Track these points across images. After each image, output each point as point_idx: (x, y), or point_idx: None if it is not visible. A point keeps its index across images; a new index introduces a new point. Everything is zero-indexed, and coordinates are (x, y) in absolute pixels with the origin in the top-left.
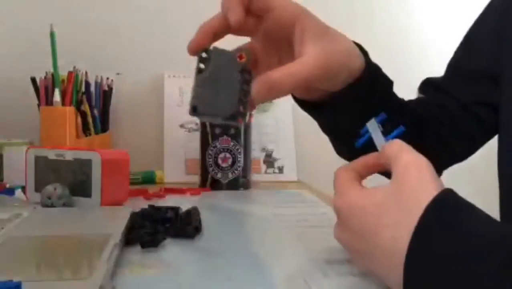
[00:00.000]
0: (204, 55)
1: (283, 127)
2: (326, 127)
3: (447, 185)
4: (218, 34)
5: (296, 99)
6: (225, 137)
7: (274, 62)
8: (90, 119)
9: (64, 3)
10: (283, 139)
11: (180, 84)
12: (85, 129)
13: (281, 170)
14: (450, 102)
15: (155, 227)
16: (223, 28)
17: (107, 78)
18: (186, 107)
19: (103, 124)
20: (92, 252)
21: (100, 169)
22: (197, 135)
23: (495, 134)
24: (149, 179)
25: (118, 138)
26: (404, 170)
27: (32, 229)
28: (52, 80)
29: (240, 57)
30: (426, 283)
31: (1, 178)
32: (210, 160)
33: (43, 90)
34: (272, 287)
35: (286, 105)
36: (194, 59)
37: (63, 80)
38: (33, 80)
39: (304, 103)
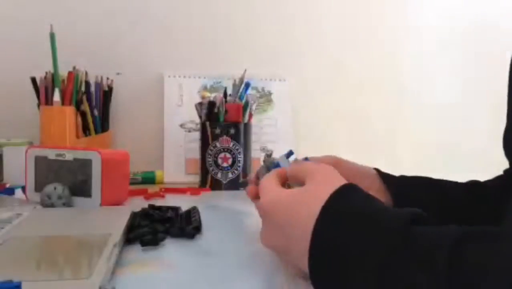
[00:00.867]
0: None
1: (283, 127)
2: None
3: None
4: None
5: None
6: (225, 137)
7: None
8: (90, 119)
9: (64, 3)
10: (283, 139)
11: (180, 84)
12: (85, 129)
13: None
14: None
15: (155, 227)
16: None
17: (107, 78)
18: (186, 107)
19: (103, 124)
20: (92, 252)
21: (100, 169)
22: (197, 135)
23: None
24: (149, 179)
25: (118, 138)
26: (315, 171)
27: (32, 229)
28: (52, 80)
29: None
30: (332, 238)
31: (1, 178)
32: (210, 160)
33: (43, 90)
34: (272, 287)
35: (286, 105)
36: (194, 59)
37: (63, 80)
38: (33, 80)
39: None
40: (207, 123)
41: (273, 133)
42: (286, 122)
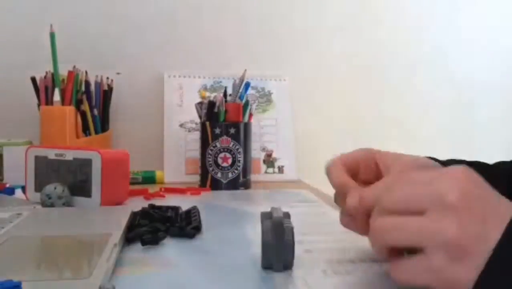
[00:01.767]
0: None
1: (283, 127)
2: None
3: None
4: None
5: None
6: (225, 137)
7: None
8: (90, 119)
9: (64, 3)
10: (283, 139)
11: (180, 84)
12: (85, 129)
13: (281, 169)
14: None
15: (156, 226)
16: None
17: (107, 78)
18: (186, 107)
19: (103, 124)
20: (92, 252)
21: (100, 169)
22: (197, 135)
23: None
24: (149, 179)
25: (118, 138)
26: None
27: (32, 229)
28: (52, 80)
29: None
30: None
31: (1, 178)
32: (210, 159)
33: (43, 90)
34: (272, 287)
35: (286, 105)
36: (194, 59)
37: (63, 80)
38: (33, 80)
39: None
40: (207, 123)
41: (273, 133)
42: (286, 122)
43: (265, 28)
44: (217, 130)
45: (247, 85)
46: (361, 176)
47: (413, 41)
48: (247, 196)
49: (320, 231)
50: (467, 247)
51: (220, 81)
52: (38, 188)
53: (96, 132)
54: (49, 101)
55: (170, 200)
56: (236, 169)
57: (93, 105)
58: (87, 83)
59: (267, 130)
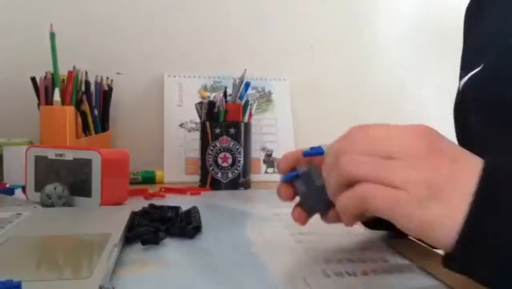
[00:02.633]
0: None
1: (283, 127)
2: None
3: None
4: None
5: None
6: (225, 137)
7: None
8: (90, 119)
9: (64, 3)
10: (283, 139)
11: (180, 84)
12: (85, 129)
13: None
14: None
15: (156, 226)
16: None
17: (107, 78)
18: (186, 107)
19: (103, 124)
20: (92, 252)
21: (100, 169)
22: (197, 135)
23: None
24: (149, 179)
25: (118, 138)
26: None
27: (32, 229)
28: (52, 80)
29: None
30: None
31: (1, 178)
32: (210, 159)
33: (43, 90)
34: (272, 287)
35: (286, 105)
36: (194, 59)
37: (63, 80)
38: (33, 80)
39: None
40: (207, 123)
41: (273, 133)
42: (286, 122)
43: (265, 28)
44: (217, 130)
45: (247, 85)
46: None
47: (414, 43)
48: (247, 196)
49: (320, 231)
50: (441, 185)
51: (220, 81)
52: (38, 188)
53: (96, 132)
54: (49, 101)
55: (170, 200)
56: (236, 169)
57: (93, 105)
58: (87, 83)
59: (267, 130)
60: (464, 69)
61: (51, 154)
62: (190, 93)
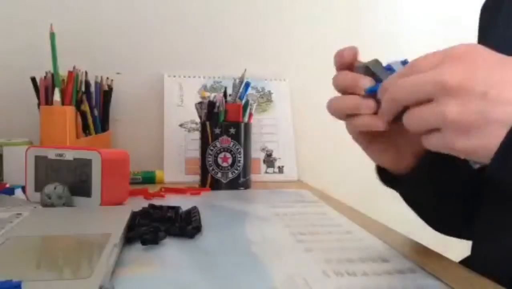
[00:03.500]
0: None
1: (283, 127)
2: (406, 200)
3: None
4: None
5: (381, 175)
6: (225, 137)
7: None
8: (90, 119)
9: (64, 3)
10: (283, 139)
11: (180, 84)
12: (85, 129)
13: (281, 169)
14: None
15: (156, 226)
16: None
17: (107, 78)
18: (186, 107)
19: (103, 124)
20: (92, 252)
21: (100, 169)
22: (197, 135)
23: None
24: (149, 179)
25: (118, 138)
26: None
27: (32, 229)
28: (52, 80)
29: None
30: None
31: (1, 178)
32: (210, 159)
33: (43, 90)
34: (272, 287)
35: (286, 105)
36: (194, 59)
37: (63, 80)
38: (33, 80)
39: (387, 179)
40: (207, 123)
41: (273, 133)
42: (286, 122)
43: (265, 28)
44: (217, 130)
45: (247, 85)
46: None
47: (412, 41)
48: (247, 196)
49: (320, 231)
50: (470, 123)
51: (220, 81)
52: (38, 188)
53: (96, 132)
54: (49, 101)
55: (170, 200)
56: (236, 169)
57: (93, 105)
58: (87, 83)
59: (267, 130)
60: None
61: (51, 154)
62: (190, 93)
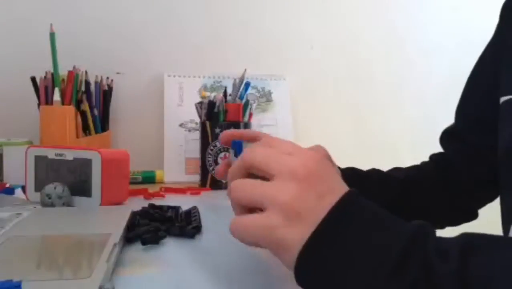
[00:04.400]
0: None
1: (283, 127)
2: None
3: None
4: None
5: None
6: None
7: None
8: (90, 119)
9: (64, 3)
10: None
11: (180, 84)
12: (85, 129)
13: None
14: (465, 149)
15: (156, 226)
16: None
17: (107, 78)
18: (186, 107)
19: (103, 124)
20: (92, 252)
21: (100, 169)
22: (197, 135)
23: None
24: (149, 178)
25: (118, 138)
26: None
27: (32, 229)
28: (52, 80)
29: None
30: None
31: (1, 178)
32: (210, 159)
33: (43, 90)
34: (272, 287)
35: (286, 105)
36: (194, 59)
37: (63, 80)
38: (33, 80)
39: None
40: (207, 123)
41: (273, 133)
42: (286, 122)
43: (265, 28)
44: (217, 130)
45: (247, 85)
46: None
47: (412, 42)
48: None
49: None
50: (300, 214)
51: (220, 81)
52: (38, 188)
53: (96, 132)
54: (49, 101)
55: (170, 200)
56: None
57: (93, 105)
58: (87, 83)
59: (267, 130)
60: (508, 88)
61: (51, 153)
62: (190, 93)
